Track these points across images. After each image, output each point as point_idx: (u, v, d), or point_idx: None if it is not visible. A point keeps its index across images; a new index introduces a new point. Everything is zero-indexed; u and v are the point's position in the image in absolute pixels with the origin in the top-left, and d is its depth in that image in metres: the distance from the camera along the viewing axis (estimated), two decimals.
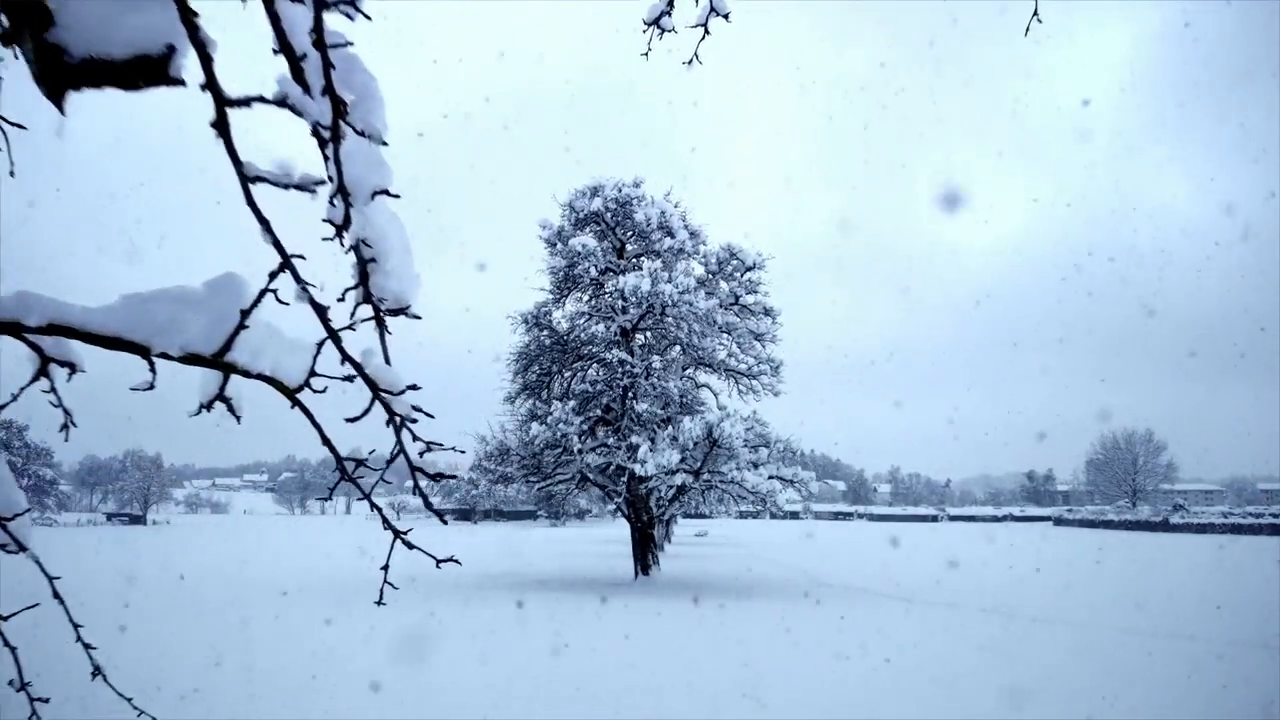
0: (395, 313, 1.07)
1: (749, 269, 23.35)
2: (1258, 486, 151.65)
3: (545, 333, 23.12)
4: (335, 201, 1.01)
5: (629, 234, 22.98)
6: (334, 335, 1.07)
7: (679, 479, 19.87)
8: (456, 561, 1.31)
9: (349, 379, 1.11)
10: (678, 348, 23.80)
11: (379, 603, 1.53)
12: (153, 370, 1.08)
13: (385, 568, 1.35)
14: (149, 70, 0.93)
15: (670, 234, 22.28)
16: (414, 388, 1.13)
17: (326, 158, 0.99)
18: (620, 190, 22.26)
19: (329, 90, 0.95)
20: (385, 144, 1.02)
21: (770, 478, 20.03)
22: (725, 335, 23.76)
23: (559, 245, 22.30)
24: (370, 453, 1.20)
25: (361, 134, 0.99)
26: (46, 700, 1.66)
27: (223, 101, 0.95)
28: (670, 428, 21.37)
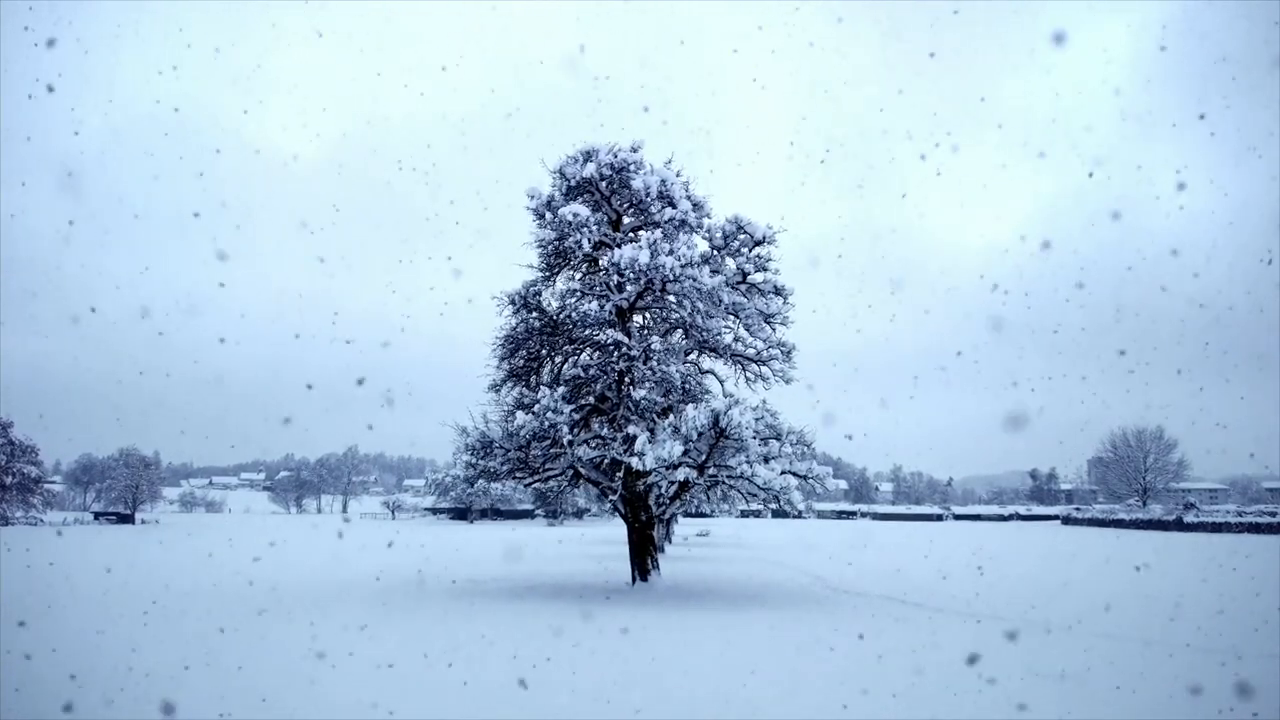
0: None
1: (758, 243, 21.17)
2: (1262, 485, 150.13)
3: (534, 314, 21.01)
4: None
5: (625, 204, 20.83)
6: None
7: (681, 474, 17.71)
8: None
9: None
10: (680, 331, 21.68)
11: None
12: None
13: None
14: None
15: (671, 204, 20.13)
16: None
17: None
18: (616, 155, 20.09)
19: None
20: None
21: (783, 473, 17.89)
22: (732, 317, 21.61)
23: (548, 216, 20.13)
24: None
25: None
26: None
27: None
28: (672, 417, 19.26)
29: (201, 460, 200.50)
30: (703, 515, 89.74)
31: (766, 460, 17.94)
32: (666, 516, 23.14)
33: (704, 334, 21.07)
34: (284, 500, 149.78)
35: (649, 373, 19.34)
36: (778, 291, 21.53)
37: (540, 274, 21.23)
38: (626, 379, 19.71)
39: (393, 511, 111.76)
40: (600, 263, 20.10)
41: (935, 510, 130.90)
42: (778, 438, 18.47)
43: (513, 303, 20.99)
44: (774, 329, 21.85)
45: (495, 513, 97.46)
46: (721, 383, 22.27)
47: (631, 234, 20.89)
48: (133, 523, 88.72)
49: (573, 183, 20.14)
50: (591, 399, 20.10)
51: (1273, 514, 79.57)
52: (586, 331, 20.18)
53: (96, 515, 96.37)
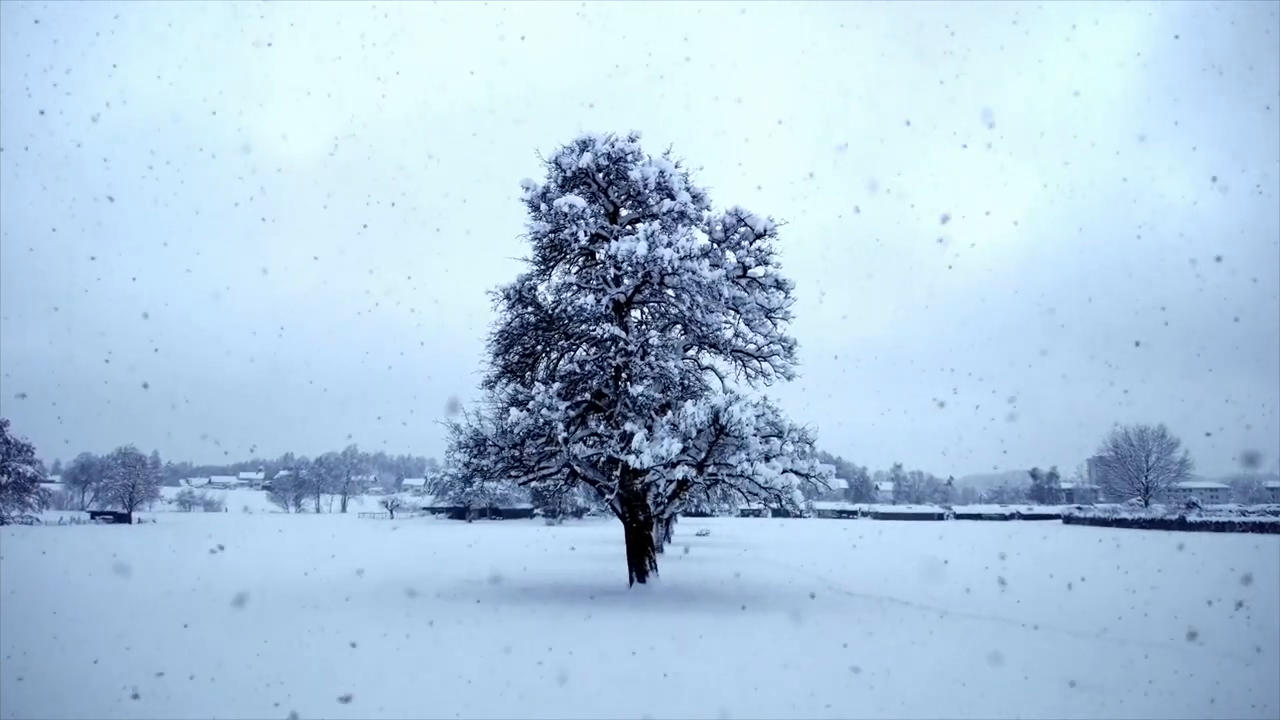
0: None
1: (759, 236, 20.65)
2: (1264, 484, 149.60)
3: (529, 308, 20.48)
4: None
5: (623, 196, 20.29)
6: None
7: (680, 472, 17.18)
8: None
9: None
10: (679, 326, 21.15)
11: None
12: None
13: None
14: None
15: (670, 195, 19.59)
16: None
17: None
18: (614, 145, 19.56)
19: None
20: None
21: (784, 471, 17.36)
22: (732, 312, 21.08)
23: (543, 207, 19.59)
24: None
25: None
26: None
27: None
28: (670, 414, 18.72)
29: (201, 459, 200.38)
30: (702, 514, 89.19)
31: (767, 458, 17.41)
32: (665, 516, 22.65)
33: (703, 329, 20.55)
34: (282, 499, 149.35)
35: (647, 368, 18.83)
36: (779, 286, 21.02)
37: (535, 267, 20.71)
38: (624, 375, 19.19)
39: (391, 511, 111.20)
40: (597, 256, 19.58)
41: (936, 510, 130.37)
42: (779, 435, 17.92)
43: (507, 297, 20.47)
44: (775, 324, 21.35)
45: (494, 512, 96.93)
46: (721, 379, 21.77)
47: (629, 226, 20.37)
48: (129, 522, 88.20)
49: (569, 173, 19.60)
50: (588, 395, 19.58)
51: (1275, 513, 79.10)
52: (583, 326, 19.66)
53: (93, 515, 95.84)
